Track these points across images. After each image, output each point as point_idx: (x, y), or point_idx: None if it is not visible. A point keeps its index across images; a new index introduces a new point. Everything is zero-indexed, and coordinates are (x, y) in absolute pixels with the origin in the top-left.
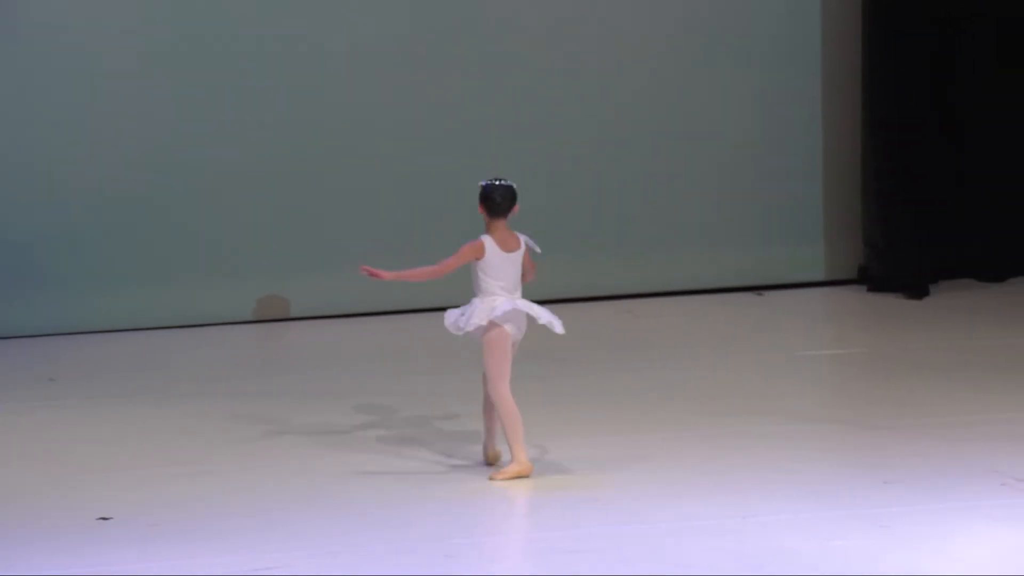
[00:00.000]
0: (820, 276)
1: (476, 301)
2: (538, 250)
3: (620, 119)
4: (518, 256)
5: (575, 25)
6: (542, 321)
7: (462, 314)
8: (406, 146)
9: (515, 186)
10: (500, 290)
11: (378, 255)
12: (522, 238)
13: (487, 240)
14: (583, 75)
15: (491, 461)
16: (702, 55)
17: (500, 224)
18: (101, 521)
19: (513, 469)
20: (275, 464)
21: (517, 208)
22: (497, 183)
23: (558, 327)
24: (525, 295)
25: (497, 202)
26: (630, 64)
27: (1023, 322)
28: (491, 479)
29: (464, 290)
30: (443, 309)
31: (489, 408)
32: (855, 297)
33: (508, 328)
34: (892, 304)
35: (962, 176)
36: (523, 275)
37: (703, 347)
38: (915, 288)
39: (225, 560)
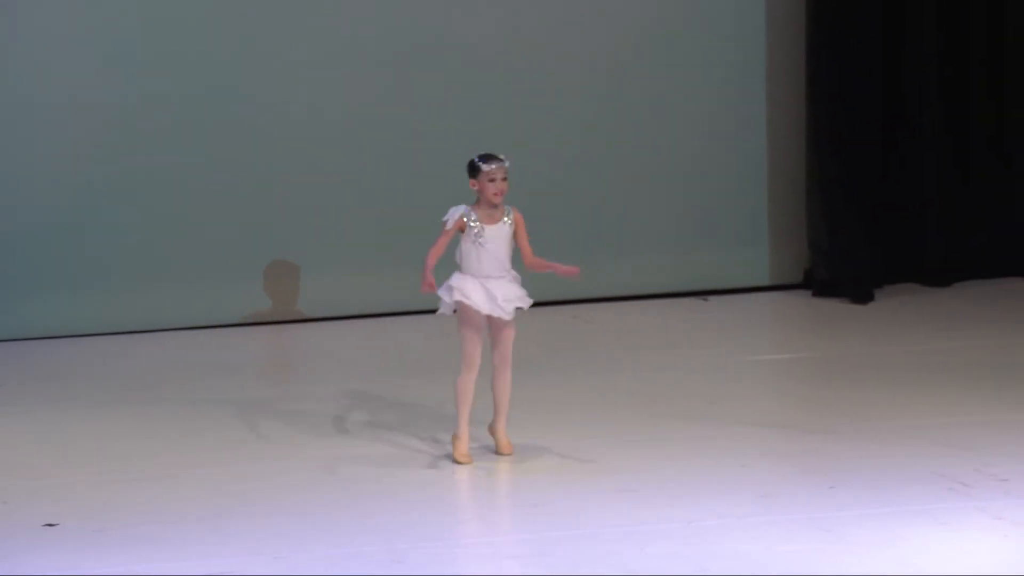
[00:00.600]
0: (765, 281)
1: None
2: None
3: (564, 125)
4: (501, 230)
5: (521, 35)
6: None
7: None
8: (364, 152)
9: (507, 162)
10: (469, 267)
11: (329, 263)
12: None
13: (471, 213)
14: (529, 83)
15: (491, 433)
16: (646, 61)
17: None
18: (47, 528)
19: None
20: (226, 469)
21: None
22: (486, 155)
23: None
24: None
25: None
26: (575, 70)
27: (968, 326)
28: (456, 461)
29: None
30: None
31: (501, 388)
32: (800, 302)
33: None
34: (837, 308)
35: (907, 181)
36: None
37: (648, 352)
38: (860, 293)
39: (170, 566)
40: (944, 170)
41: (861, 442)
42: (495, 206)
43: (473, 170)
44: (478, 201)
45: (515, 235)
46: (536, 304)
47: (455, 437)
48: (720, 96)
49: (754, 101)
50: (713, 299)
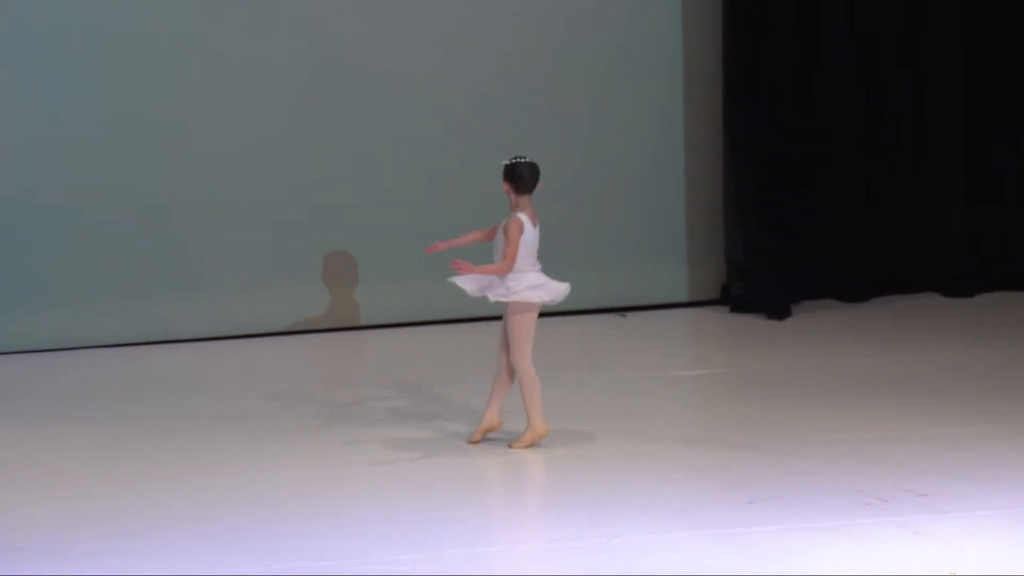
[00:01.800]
0: (683, 297)
1: (510, 276)
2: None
3: (481, 143)
4: (538, 230)
5: (434, 53)
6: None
7: (490, 285)
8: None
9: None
10: (530, 266)
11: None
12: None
13: (523, 218)
14: (443, 100)
15: (489, 428)
16: (564, 78)
17: (526, 200)
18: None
19: (528, 436)
20: (151, 488)
21: (540, 183)
22: (522, 160)
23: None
24: None
25: (525, 178)
26: (492, 89)
27: (885, 342)
28: (511, 447)
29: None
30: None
31: (502, 378)
32: (718, 318)
33: (539, 302)
34: (754, 324)
35: (824, 197)
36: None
37: (568, 368)
38: (777, 308)
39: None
40: (861, 187)
41: (780, 457)
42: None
43: (510, 176)
44: (515, 206)
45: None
46: (457, 320)
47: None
48: (638, 114)
49: (672, 119)
50: (631, 315)
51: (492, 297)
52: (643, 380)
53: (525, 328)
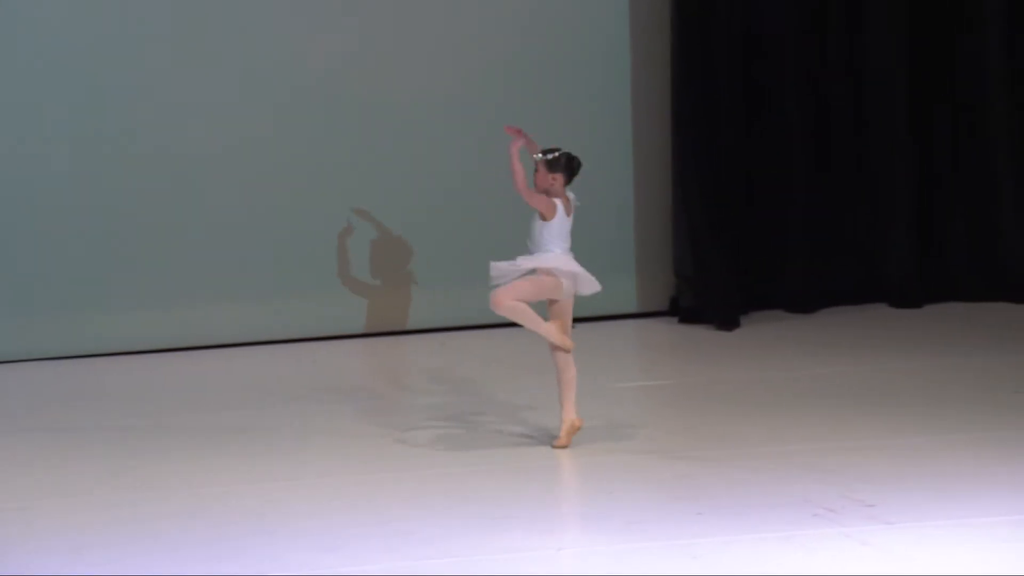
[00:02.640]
0: (632, 308)
1: (541, 255)
2: (578, 203)
3: (432, 151)
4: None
5: (380, 64)
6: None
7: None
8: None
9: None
10: (562, 251)
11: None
12: (571, 196)
13: (559, 203)
14: (393, 112)
15: (572, 429)
16: (512, 89)
17: (562, 188)
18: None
19: (564, 430)
20: (93, 504)
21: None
22: (562, 151)
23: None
24: None
25: (573, 168)
26: (441, 100)
27: (833, 353)
28: (555, 447)
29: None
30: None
31: (562, 378)
32: (667, 329)
33: (564, 282)
34: (703, 335)
35: (772, 208)
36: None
37: (516, 379)
38: (726, 319)
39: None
40: (809, 197)
41: (728, 468)
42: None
43: (570, 172)
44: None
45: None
46: (405, 332)
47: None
48: (586, 126)
49: (620, 130)
50: (580, 326)
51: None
52: (592, 391)
53: (534, 288)
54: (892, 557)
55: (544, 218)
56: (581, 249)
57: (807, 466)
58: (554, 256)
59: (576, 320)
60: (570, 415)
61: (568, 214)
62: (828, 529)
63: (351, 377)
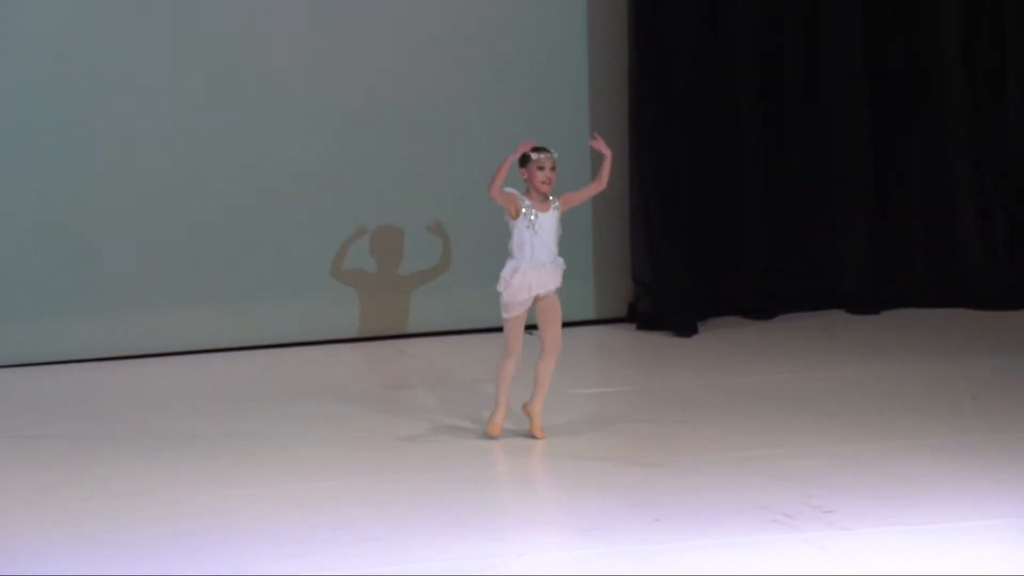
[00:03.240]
0: (590, 314)
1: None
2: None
3: (383, 160)
4: (551, 217)
5: (337, 65)
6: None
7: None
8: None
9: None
10: (519, 261)
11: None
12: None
13: (524, 200)
14: (347, 115)
15: (526, 412)
16: (468, 94)
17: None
18: None
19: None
20: (46, 510)
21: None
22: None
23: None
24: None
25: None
26: (396, 105)
27: (791, 359)
28: (487, 433)
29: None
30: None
31: (541, 373)
32: (625, 335)
33: (522, 299)
34: (661, 342)
35: (729, 215)
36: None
37: (474, 386)
38: (683, 326)
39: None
40: (766, 205)
41: (686, 474)
42: (545, 196)
43: (523, 159)
44: (528, 191)
45: (568, 206)
46: (360, 339)
47: (493, 412)
48: (544, 133)
49: (578, 137)
50: (538, 333)
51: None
52: (550, 397)
53: (508, 328)
54: (850, 563)
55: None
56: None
57: (765, 472)
58: (509, 271)
59: (534, 326)
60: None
61: (542, 211)
62: (786, 535)
63: (317, 383)
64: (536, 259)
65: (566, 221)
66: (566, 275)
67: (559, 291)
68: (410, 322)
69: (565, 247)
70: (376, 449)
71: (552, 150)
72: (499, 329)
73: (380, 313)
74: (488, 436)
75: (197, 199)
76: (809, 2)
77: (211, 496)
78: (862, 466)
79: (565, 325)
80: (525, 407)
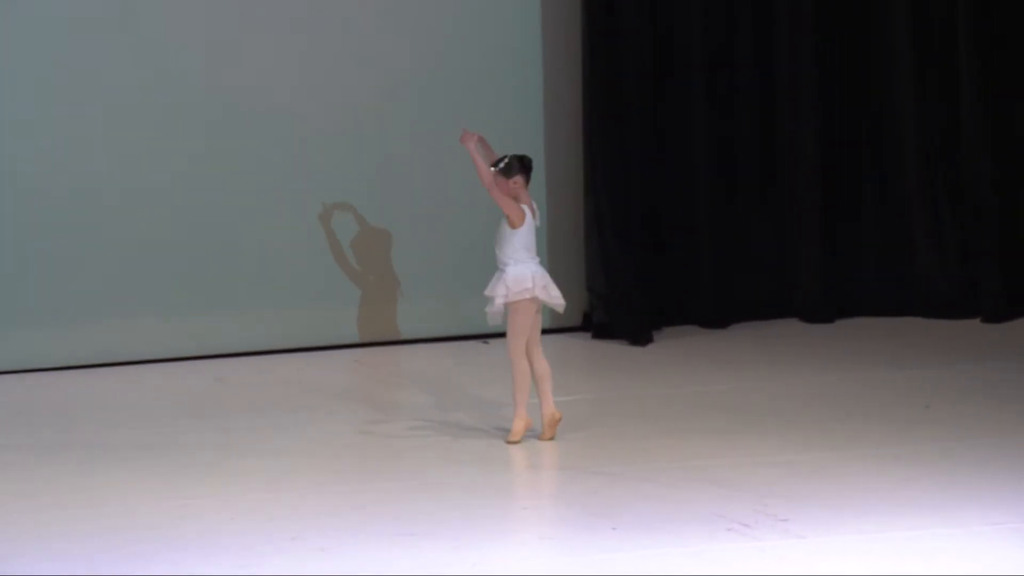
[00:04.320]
0: (545, 323)
1: (510, 270)
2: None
3: (345, 165)
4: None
5: (295, 72)
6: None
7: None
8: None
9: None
10: (529, 257)
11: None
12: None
13: (526, 209)
14: (302, 123)
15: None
16: (423, 100)
17: (526, 192)
18: None
19: (518, 426)
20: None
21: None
22: (510, 156)
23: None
24: None
25: (526, 164)
26: (354, 111)
27: (745, 368)
28: (508, 442)
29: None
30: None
31: (536, 375)
32: (579, 344)
33: (537, 298)
34: (616, 351)
35: (682, 224)
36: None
37: (430, 395)
38: (638, 335)
39: None
40: (719, 213)
41: (642, 483)
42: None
43: (510, 170)
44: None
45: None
46: (316, 348)
47: (516, 416)
48: (499, 142)
49: (533, 148)
50: (493, 342)
51: (492, 311)
52: (505, 407)
53: (518, 322)
54: (805, 571)
55: (512, 225)
56: (494, 266)
57: (721, 481)
58: (522, 272)
59: (489, 335)
60: (549, 408)
61: (535, 218)
62: (742, 543)
63: (266, 394)
64: (533, 257)
65: None
66: None
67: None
68: (368, 331)
69: None
70: (333, 459)
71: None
72: (469, 336)
73: (342, 321)
74: (512, 442)
75: (160, 209)
76: (763, 6)
77: (164, 507)
78: (818, 475)
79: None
80: (549, 415)
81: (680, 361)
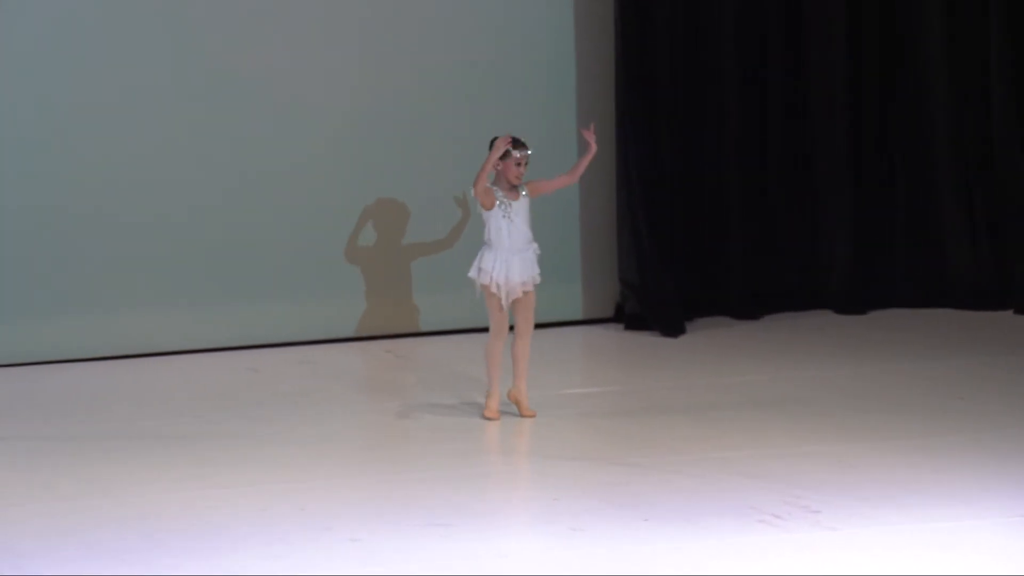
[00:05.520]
0: (578, 315)
1: (485, 251)
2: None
3: (379, 161)
4: (522, 204)
5: (328, 68)
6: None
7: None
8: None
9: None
10: (498, 243)
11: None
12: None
13: (497, 192)
14: (340, 117)
15: (512, 399)
16: (459, 100)
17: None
18: None
19: (490, 402)
20: (33, 512)
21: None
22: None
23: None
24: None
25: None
26: (386, 102)
27: (777, 359)
28: (485, 416)
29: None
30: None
31: (520, 353)
32: (612, 335)
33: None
34: (648, 342)
35: (715, 215)
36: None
37: (462, 385)
38: (670, 326)
39: None
40: (752, 204)
41: (674, 475)
42: (514, 186)
43: (504, 153)
44: (497, 180)
45: (538, 193)
46: (351, 339)
47: (488, 395)
48: (532, 134)
49: (566, 144)
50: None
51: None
52: (537, 398)
53: (488, 303)
54: (838, 563)
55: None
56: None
57: (752, 472)
58: (488, 259)
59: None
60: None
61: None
62: (773, 535)
63: (297, 384)
64: (513, 246)
65: (552, 222)
66: (553, 276)
67: (536, 286)
68: (404, 322)
69: (552, 248)
70: (360, 450)
71: (528, 146)
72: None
73: (374, 313)
74: (487, 418)
75: (199, 200)
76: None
77: (193, 496)
78: (849, 466)
79: (553, 325)
80: (510, 394)
81: (712, 352)
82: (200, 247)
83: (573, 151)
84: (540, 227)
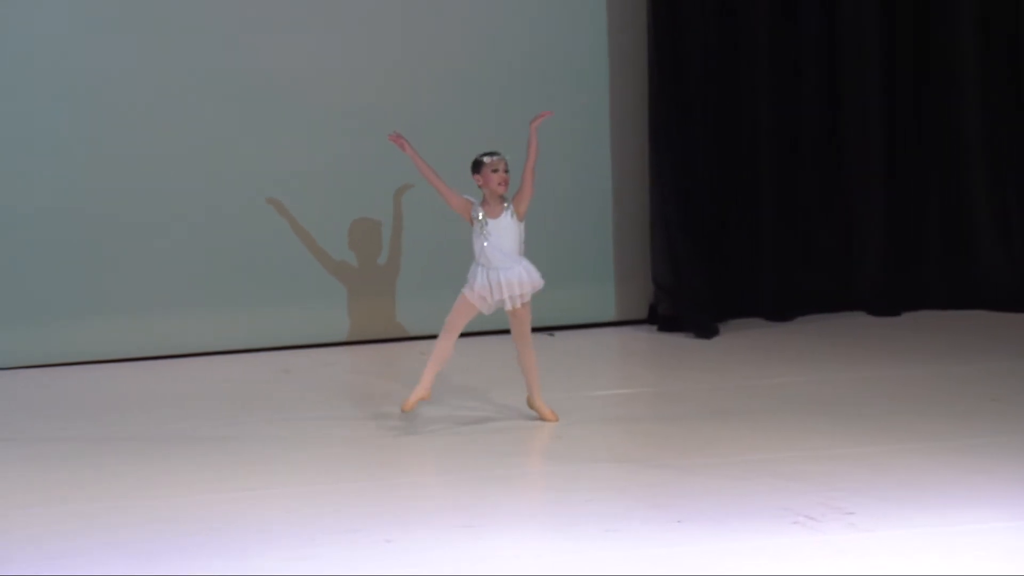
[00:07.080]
0: (611, 316)
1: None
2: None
3: (404, 164)
4: (504, 220)
5: (359, 71)
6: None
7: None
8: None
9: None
10: (480, 256)
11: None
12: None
13: (474, 203)
14: (371, 117)
15: (532, 408)
16: (494, 102)
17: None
18: None
19: (417, 393)
20: (63, 514)
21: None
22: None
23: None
24: None
25: (478, 164)
26: (417, 101)
27: (811, 361)
28: (403, 409)
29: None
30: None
31: (526, 364)
32: (645, 337)
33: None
34: (681, 344)
35: (747, 217)
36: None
37: (494, 387)
38: (704, 328)
39: None
40: (785, 207)
41: (707, 476)
42: (500, 198)
43: (476, 165)
44: (484, 198)
45: (523, 203)
46: (384, 340)
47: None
48: (566, 136)
49: (600, 145)
50: (559, 334)
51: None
52: (570, 399)
53: (454, 313)
54: (872, 565)
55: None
56: (560, 258)
57: (786, 474)
58: (473, 271)
59: (555, 328)
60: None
61: (493, 216)
62: (808, 537)
63: (327, 386)
64: (494, 263)
65: (585, 224)
66: (586, 277)
67: (535, 295)
68: (414, 324)
69: (585, 249)
70: (386, 451)
71: (500, 151)
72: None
73: (384, 316)
74: (402, 410)
75: (202, 203)
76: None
77: (218, 498)
78: (884, 468)
79: (586, 327)
80: (529, 403)
81: (746, 354)
82: (239, 249)
83: (606, 154)
84: (573, 228)
